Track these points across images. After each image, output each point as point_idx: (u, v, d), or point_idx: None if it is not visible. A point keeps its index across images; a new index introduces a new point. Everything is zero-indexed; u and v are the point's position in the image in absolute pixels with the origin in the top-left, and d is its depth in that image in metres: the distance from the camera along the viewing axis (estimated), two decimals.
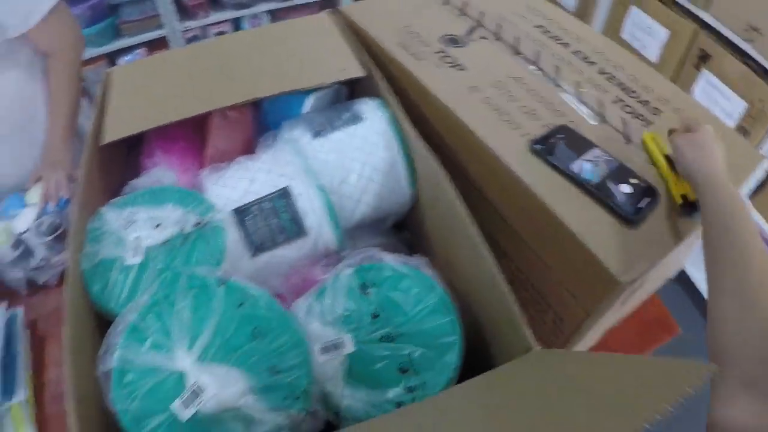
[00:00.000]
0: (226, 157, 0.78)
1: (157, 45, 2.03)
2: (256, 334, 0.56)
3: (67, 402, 0.49)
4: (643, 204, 0.63)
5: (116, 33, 1.92)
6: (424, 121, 0.76)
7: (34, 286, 1.02)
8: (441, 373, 0.58)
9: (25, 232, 1.00)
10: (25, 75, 1.13)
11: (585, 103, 0.75)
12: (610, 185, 0.65)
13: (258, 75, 0.80)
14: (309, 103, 0.82)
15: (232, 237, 0.68)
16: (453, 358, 0.58)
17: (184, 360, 0.53)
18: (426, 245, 0.76)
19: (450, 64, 0.79)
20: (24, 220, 1.01)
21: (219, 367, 0.53)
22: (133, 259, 0.64)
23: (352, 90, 0.89)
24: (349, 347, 0.58)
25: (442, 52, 0.81)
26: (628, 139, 0.72)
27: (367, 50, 0.82)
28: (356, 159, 0.73)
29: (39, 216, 1.02)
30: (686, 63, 1.51)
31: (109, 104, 0.78)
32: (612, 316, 0.71)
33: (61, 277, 1.02)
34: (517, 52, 0.83)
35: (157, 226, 0.67)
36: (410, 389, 0.57)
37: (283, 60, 0.82)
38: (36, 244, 0.99)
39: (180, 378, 0.52)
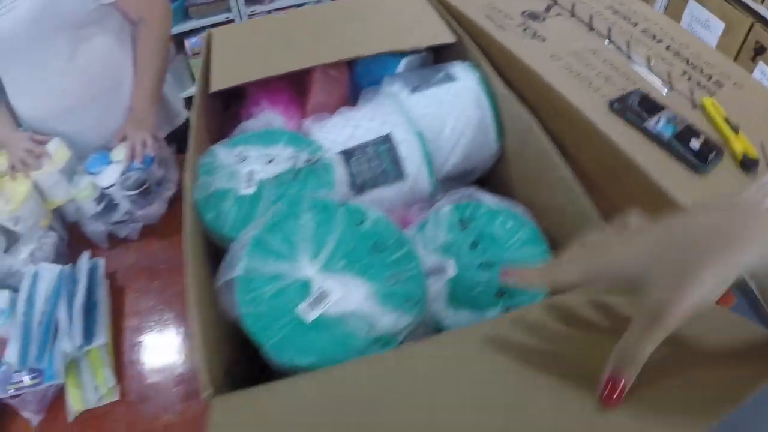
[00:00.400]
0: (325, 110, 0.87)
1: None
2: (375, 248, 0.61)
3: (189, 308, 0.53)
4: (710, 157, 0.72)
5: (185, 15, 2.02)
6: (508, 84, 0.86)
7: (114, 240, 1.08)
8: (533, 297, 0.64)
9: (110, 186, 1.06)
10: (115, 40, 1.20)
11: (655, 74, 0.84)
12: (681, 140, 0.73)
13: (355, 38, 0.89)
14: (402, 65, 0.91)
15: (339, 175, 0.75)
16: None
17: (308, 268, 0.58)
18: (509, 194, 0.85)
19: (532, 36, 0.89)
20: (109, 175, 1.07)
21: (342, 275, 0.58)
22: (247, 190, 0.70)
23: (437, 58, 0.98)
24: (451, 272, 0.65)
25: (524, 24, 0.91)
26: (693, 105, 0.80)
27: (456, 21, 0.92)
28: (450, 114, 0.82)
29: (124, 172, 1.08)
30: (741, 55, 1.57)
31: (214, 58, 0.87)
32: None
33: (143, 233, 1.10)
34: (591, 28, 0.92)
35: (270, 161, 0.74)
36: (507, 309, 0.64)
37: (377, 26, 0.92)
38: (120, 199, 1.06)
39: (305, 284, 0.57)
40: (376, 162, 0.78)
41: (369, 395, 0.45)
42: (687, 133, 0.75)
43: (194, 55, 2.13)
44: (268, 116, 0.85)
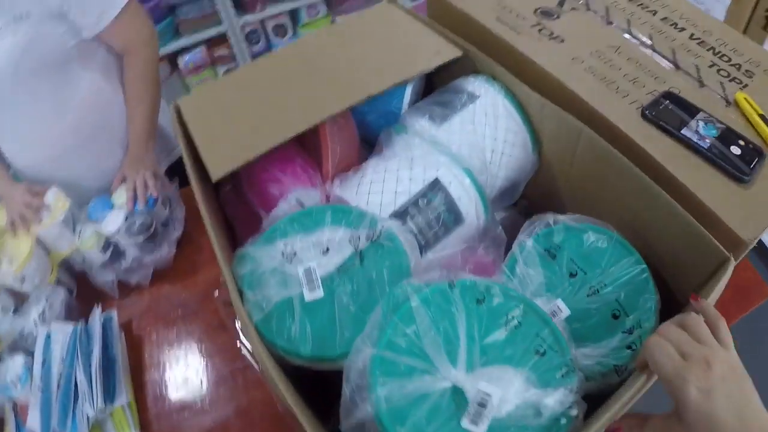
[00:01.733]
0: (343, 164, 0.79)
1: (217, 42, 2.04)
2: (507, 325, 0.55)
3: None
4: (753, 163, 0.68)
5: (175, 32, 1.92)
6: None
7: (125, 288, 1.03)
8: (646, 306, 0.63)
9: (115, 233, 1.00)
10: (101, 77, 1.13)
11: (683, 69, 0.79)
12: (722, 147, 0.69)
13: (355, 75, 0.80)
14: (408, 92, 0.85)
15: (405, 242, 0.65)
16: (651, 288, 0.64)
17: (453, 375, 0.51)
18: (558, 202, 0.80)
19: (549, 37, 0.83)
20: (113, 221, 1.02)
21: (490, 370, 0.51)
22: (314, 294, 0.59)
23: (439, 72, 0.92)
24: (566, 311, 0.62)
25: (539, 24, 0.85)
26: (727, 102, 0.76)
27: (464, 28, 0.86)
28: (487, 135, 0.76)
29: (128, 217, 1.02)
30: (752, 24, 1.51)
31: (197, 136, 0.75)
32: None
33: (153, 277, 1.04)
34: (609, 22, 0.86)
35: (326, 251, 0.62)
36: (629, 331, 0.61)
37: (375, 56, 0.84)
38: (127, 245, 1.00)
39: (457, 394, 0.51)
40: (433, 213, 0.70)
41: None
42: (726, 137, 0.70)
43: (189, 73, 2.04)
44: (297, 193, 0.73)
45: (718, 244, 0.61)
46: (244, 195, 0.87)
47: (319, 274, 0.60)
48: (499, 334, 0.54)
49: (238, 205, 0.86)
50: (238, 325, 0.89)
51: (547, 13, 0.87)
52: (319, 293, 0.59)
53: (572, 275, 0.65)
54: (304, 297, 0.59)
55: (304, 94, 0.78)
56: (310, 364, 0.58)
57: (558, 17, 0.87)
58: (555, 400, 0.50)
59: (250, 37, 2.04)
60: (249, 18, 1.95)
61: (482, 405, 0.49)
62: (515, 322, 0.55)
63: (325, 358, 0.57)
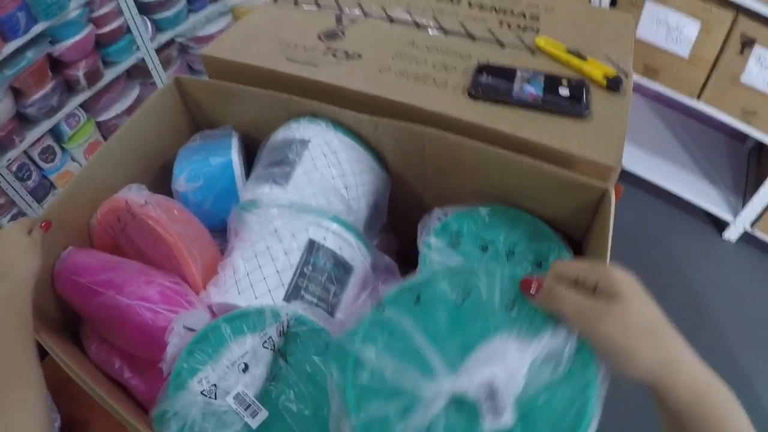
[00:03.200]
0: (207, 267, 0.70)
1: None
2: (459, 303, 0.49)
3: None
4: (584, 97, 0.69)
5: None
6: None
7: None
8: (556, 246, 0.66)
9: None
10: None
11: (479, 38, 0.80)
12: (552, 94, 0.70)
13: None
14: (236, 165, 0.77)
15: (314, 315, 0.61)
16: (548, 231, 0.67)
17: (443, 386, 0.44)
18: (424, 205, 0.75)
19: (346, 57, 0.79)
20: None
21: (473, 355, 0.45)
22: (259, 417, 0.53)
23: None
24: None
25: (330, 49, 0.80)
26: (531, 51, 0.77)
27: (255, 79, 0.78)
28: (334, 175, 0.72)
29: None
30: (726, 51, 1.48)
31: None
32: None
33: None
34: (391, 20, 0.85)
35: (245, 368, 0.56)
36: None
37: None
38: None
39: (457, 408, 0.43)
40: (323, 276, 0.65)
41: None
42: (551, 84, 0.71)
43: None
44: (181, 320, 0.62)
45: (590, 180, 0.61)
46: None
47: (252, 394, 0.53)
48: (457, 316, 0.48)
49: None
50: None
51: (331, 35, 0.83)
52: (264, 413, 0.52)
53: (484, 249, 0.67)
54: (251, 426, 0.52)
55: None
56: None
57: (343, 34, 0.83)
58: (559, 336, 0.44)
59: (20, 174, 1.78)
60: (11, 154, 1.69)
61: (492, 394, 0.42)
62: (462, 294, 0.49)
63: None
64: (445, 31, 0.81)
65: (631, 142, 1.90)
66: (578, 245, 0.69)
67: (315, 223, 0.67)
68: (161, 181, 0.83)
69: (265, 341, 0.56)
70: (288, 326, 0.58)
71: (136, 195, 0.75)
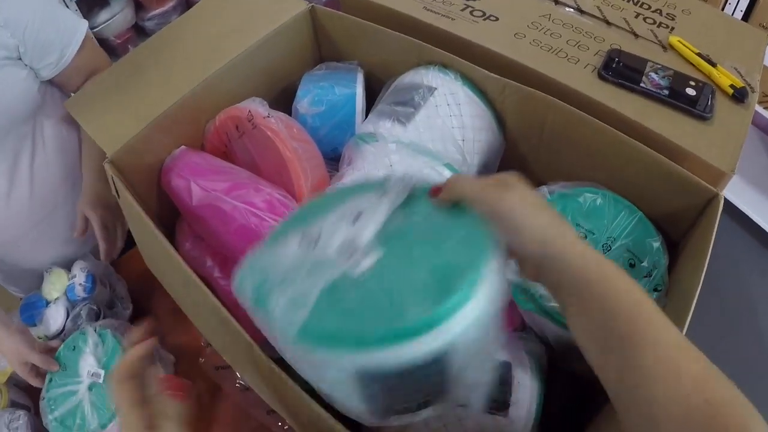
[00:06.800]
0: (315, 185, 0.76)
1: None
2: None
3: None
4: (710, 100, 0.71)
5: None
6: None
7: None
8: (654, 248, 0.67)
9: (59, 332, 0.89)
10: (66, 126, 1.00)
11: (614, 25, 0.82)
12: (679, 91, 0.72)
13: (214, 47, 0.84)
14: (359, 99, 0.81)
15: None
16: (652, 231, 0.68)
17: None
18: (531, 176, 0.77)
19: (483, 17, 0.82)
20: (53, 319, 0.90)
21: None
22: (365, 262, 0.43)
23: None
24: None
25: (468, 6, 0.84)
26: (664, 47, 0.79)
27: (390, 23, 0.82)
28: (455, 125, 0.75)
29: (69, 310, 0.91)
30: None
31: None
32: None
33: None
34: None
35: (358, 216, 0.46)
36: (648, 275, 0.65)
37: (229, 25, 0.86)
38: None
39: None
40: None
41: None
42: (679, 81, 0.73)
43: None
44: None
45: (703, 182, 0.63)
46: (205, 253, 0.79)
47: (363, 240, 0.44)
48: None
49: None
50: (239, 383, 0.81)
51: None
52: (370, 260, 0.43)
53: (582, 238, 0.67)
54: (355, 270, 0.43)
55: (174, 72, 0.82)
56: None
57: None
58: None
59: None
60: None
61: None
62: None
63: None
64: (581, 11, 0.83)
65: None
66: (673, 245, 0.71)
67: (429, 166, 0.71)
68: (280, 103, 0.88)
69: (383, 193, 0.48)
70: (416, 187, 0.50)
71: (259, 107, 0.80)
